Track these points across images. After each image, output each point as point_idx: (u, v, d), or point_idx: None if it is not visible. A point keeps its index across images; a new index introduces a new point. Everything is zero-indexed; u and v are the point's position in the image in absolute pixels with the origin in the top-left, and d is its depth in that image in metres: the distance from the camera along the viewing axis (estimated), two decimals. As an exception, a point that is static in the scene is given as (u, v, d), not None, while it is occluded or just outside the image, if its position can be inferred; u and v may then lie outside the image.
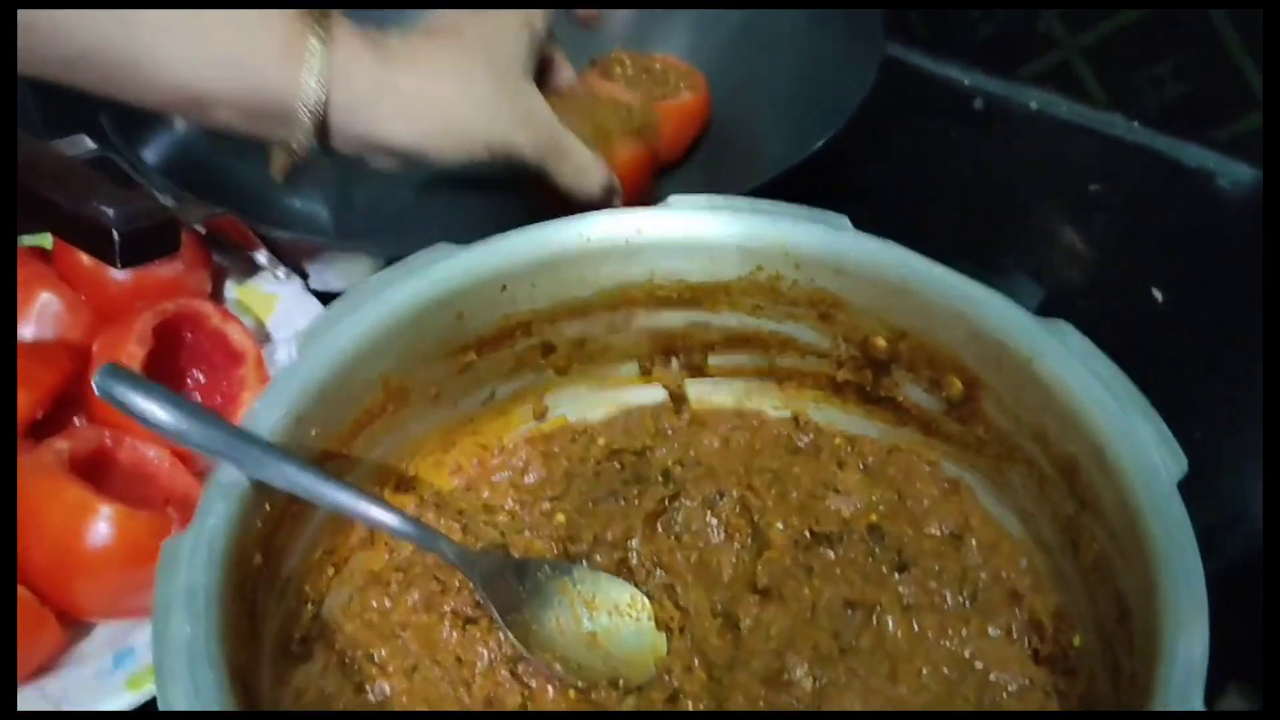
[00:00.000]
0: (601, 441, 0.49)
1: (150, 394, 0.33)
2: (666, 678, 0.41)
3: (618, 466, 0.48)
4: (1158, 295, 0.63)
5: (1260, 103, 0.70)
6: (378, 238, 0.53)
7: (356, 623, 0.42)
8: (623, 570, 0.44)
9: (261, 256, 0.55)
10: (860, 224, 0.61)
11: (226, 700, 0.31)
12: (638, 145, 0.62)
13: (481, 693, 0.40)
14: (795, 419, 0.49)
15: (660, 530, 0.46)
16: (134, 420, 0.33)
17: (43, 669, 0.44)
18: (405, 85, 0.49)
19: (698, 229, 0.46)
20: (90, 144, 0.50)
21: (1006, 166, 0.74)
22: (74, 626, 0.45)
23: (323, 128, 0.47)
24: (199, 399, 0.54)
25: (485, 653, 0.41)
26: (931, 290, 0.41)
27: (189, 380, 0.54)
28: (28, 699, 0.42)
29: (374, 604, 0.42)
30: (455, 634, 0.42)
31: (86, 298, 0.53)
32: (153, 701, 0.41)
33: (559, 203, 0.55)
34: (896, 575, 0.43)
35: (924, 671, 0.40)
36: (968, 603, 0.42)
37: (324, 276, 0.55)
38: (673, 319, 0.48)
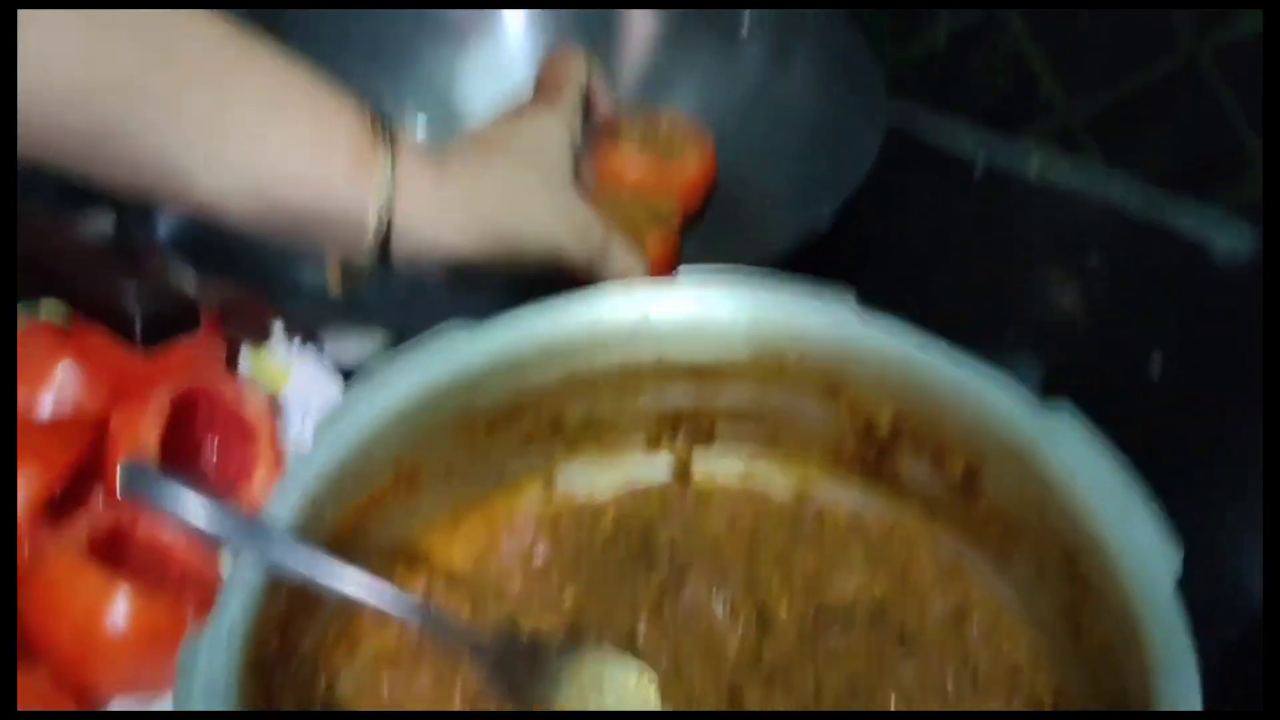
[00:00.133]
0: (609, 518, 0.50)
1: (172, 489, 0.34)
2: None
3: (624, 544, 0.49)
4: (1156, 366, 0.63)
5: (1260, 171, 0.71)
6: (390, 313, 0.54)
7: (369, 700, 0.43)
8: (629, 650, 0.45)
9: (276, 331, 0.56)
10: (862, 287, 0.62)
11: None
12: (666, 236, 0.65)
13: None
14: (799, 496, 0.50)
15: (666, 610, 0.47)
16: (156, 513, 0.34)
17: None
18: (464, 200, 0.49)
19: (706, 310, 0.47)
20: (107, 219, 0.50)
21: (1007, 233, 0.75)
22: (89, 703, 0.46)
23: (383, 244, 0.47)
24: (213, 472, 0.54)
25: (496, 731, 0.42)
26: (935, 373, 0.42)
27: (203, 453, 0.55)
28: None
29: (386, 682, 0.43)
30: (466, 712, 0.42)
31: (103, 371, 0.53)
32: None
33: None
34: (900, 656, 0.43)
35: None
36: (970, 683, 0.43)
37: (338, 349, 0.56)
38: (680, 394, 0.49)
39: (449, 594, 0.46)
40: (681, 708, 0.43)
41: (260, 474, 0.54)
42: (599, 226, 0.55)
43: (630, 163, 0.69)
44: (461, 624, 0.43)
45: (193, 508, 0.34)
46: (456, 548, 0.48)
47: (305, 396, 0.57)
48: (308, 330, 0.54)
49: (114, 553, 0.46)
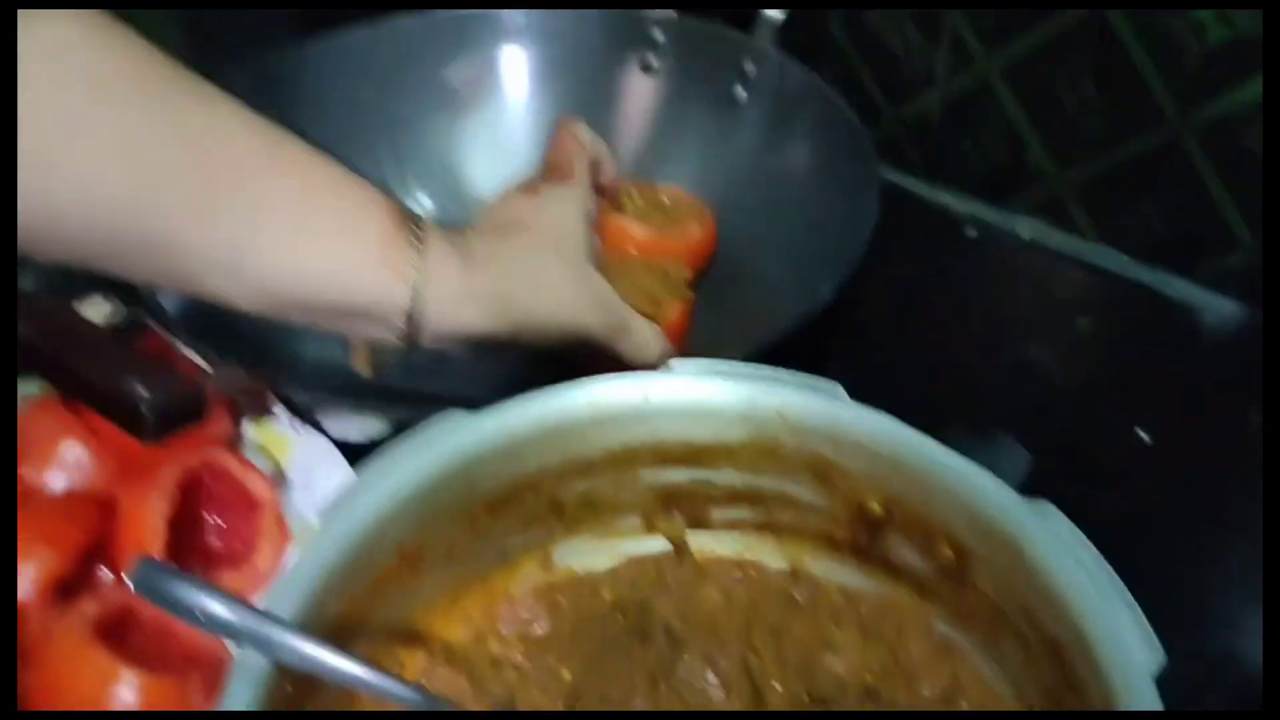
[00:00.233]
0: (606, 594, 0.51)
1: (183, 587, 0.35)
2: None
3: (621, 619, 0.50)
4: (1144, 437, 0.64)
5: (1243, 244, 0.72)
6: (391, 397, 0.55)
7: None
8: (626, 727, 0.46)
9: (279, 412, 0.57)
10: (853, 349, 0.63)
11: None
12: (680, 304, 0.67)
13: None
14: (794, 571, 0.51)
15: (662, 686, 0.48)
16: (170, 613, 0.35)
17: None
18: (489, 284, 0.50)
19: (702, 395, 0.48)
20: (111, 300, 0.51)
21: (998, 297, 0.77)
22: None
23: (414, 330, 0.48)
24: (218, 545, 0.55)
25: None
26: (923, 466, 0.43)
27: (208, 526, 0.55)
28: None
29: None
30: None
31: (110, 448, 0.54)
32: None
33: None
34: (892, 738, 0.44)
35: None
36: (960, 765, 0.44)
37: (340, 428, 0.57)
38: (677, 476, 0.50)
39: (448, 672, 0.47)
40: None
41: (265, 546, 0.54)
42: (617, 300, 0.56)
43: (632, 234, 0.71)
44: (460, 708, 0.43)
45: (203, 606, 0.35)
46: (456, 626, 0.49)
47: (309, 468, 0.58)
48: (310, 413, 0.55)
49: (121, 634, 0.47)
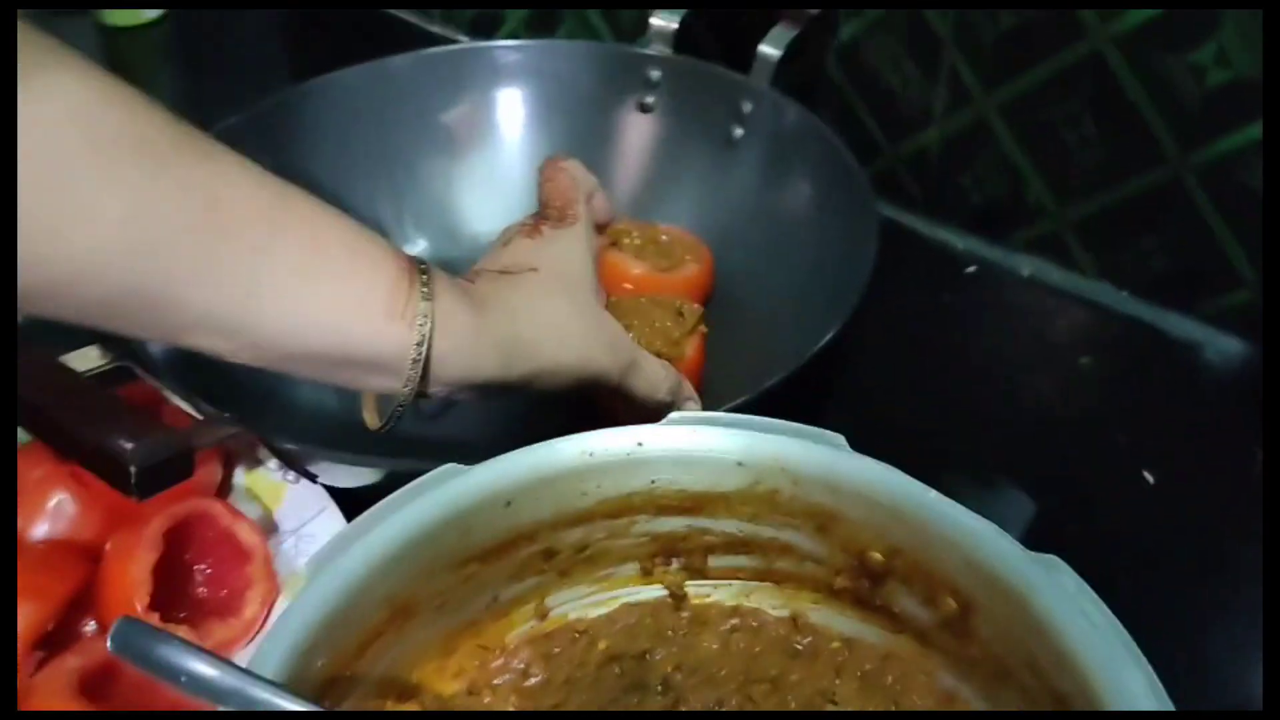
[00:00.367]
0: (602, 645, 0.50)
1: (164, 647, 0.34)
2: None
3: (618, 670, 0.49)
4: (1149, 477, 0.64)
5: (1245, 281, 0.72)
6: (383, 448, 0.55)
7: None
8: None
9: (271, 463, 0.56)
10: (849, 394, 0.63)
11: None
12: (697, 340, 0.66)
13: None
14: (794, 619, 0.50)
15: (660, 740, 0.47)
16: (150, 675, 0.34)
17: None
18: (499, 331, 0.50)
19: (697, 443, 0.47)
20: (99, 356, 0.51)
21: (998, 334, 0.76)
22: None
23: (424, 379, 0.48)
24: (207, 593, 0.54)
25: None
26: (925, 518, 0.42)
27: (195, 575, 0.55)
28: None
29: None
30: None
31: (99, 496, 0.53)
32: None
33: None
34: (894, 796, 0.43)
35: None
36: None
37: (331, 475, 0.56)
38: (674, 525, 0.49)
39: (442, 727, 0.46)
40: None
41: (254, 596, 0.54)
42: (627, 339, 0.56)
43: (629, 272, 0.70)
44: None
45: (185, 667, 0.34)
46: (448, 678, 0.48)
47: (300, 515, 0.57)
48: (302, 462, 0.54)
49: (104, 689, 0.46)
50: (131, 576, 0.49)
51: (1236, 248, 0.71)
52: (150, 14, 1.13)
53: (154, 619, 0.50)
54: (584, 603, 0.50)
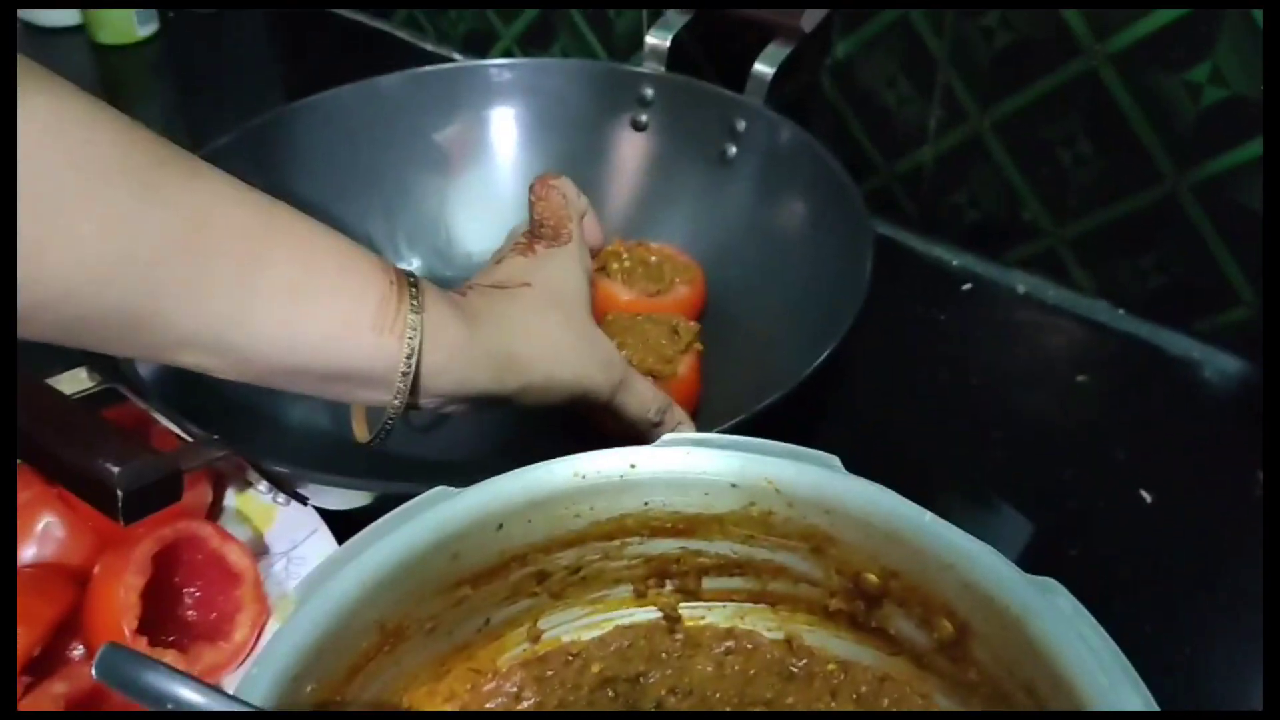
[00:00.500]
0: (595, 668, 0.49)
1: (149, 674, 0.34)
2: None
3: (611, 694, 0.49)
4: (1147, 496, 0.63)
5: (1243, 299, 0.71)
6: (374, 472, 0.54)
7: None
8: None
9: (261, 485, 0.55)
10: (844, 412, 0.62)
11: None
12: (693, 358, 0.66)
13: None
14: (789, 642, 0.49)
15: (654, 764, 0.46)
16: (137, 701, 0.33)
17: None
18: (491, 344, 0.50)
19: (690, 465, 0.46)
20: (87, 377, 0.50)
21: (994, 351, 0.76)
22: None
23: (414, 391, 0.48)
24: (197, 616, 0.54)
25: None
26: (921, 540, 0.42)
27: (185, 598, 0.54)
28: None
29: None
30: None
31: (88, 519, 0.53)
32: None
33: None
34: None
35: None
36: None
37: (322, 498, 0.56)
38: (667, 546, 0.49)
39: (432, 752, 0.46)
40: None
41: (243, 619, 0.53)
42: (620, 358, 0.56)
43: (618, 298, 0.70)
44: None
45: (171, 693, 0.34)
46: (440, 701, 0.47)
47: (290, 537, 0.57)
48: (292, 484, 0.54)
49: (92, 710, 0.45)
50: (120, 600, 0.48)
51: (1233, 265, 0.70)
52: (142, 32, 1.13)
53: (142, 643, 0.49)
54: (577, 625, 0.50)
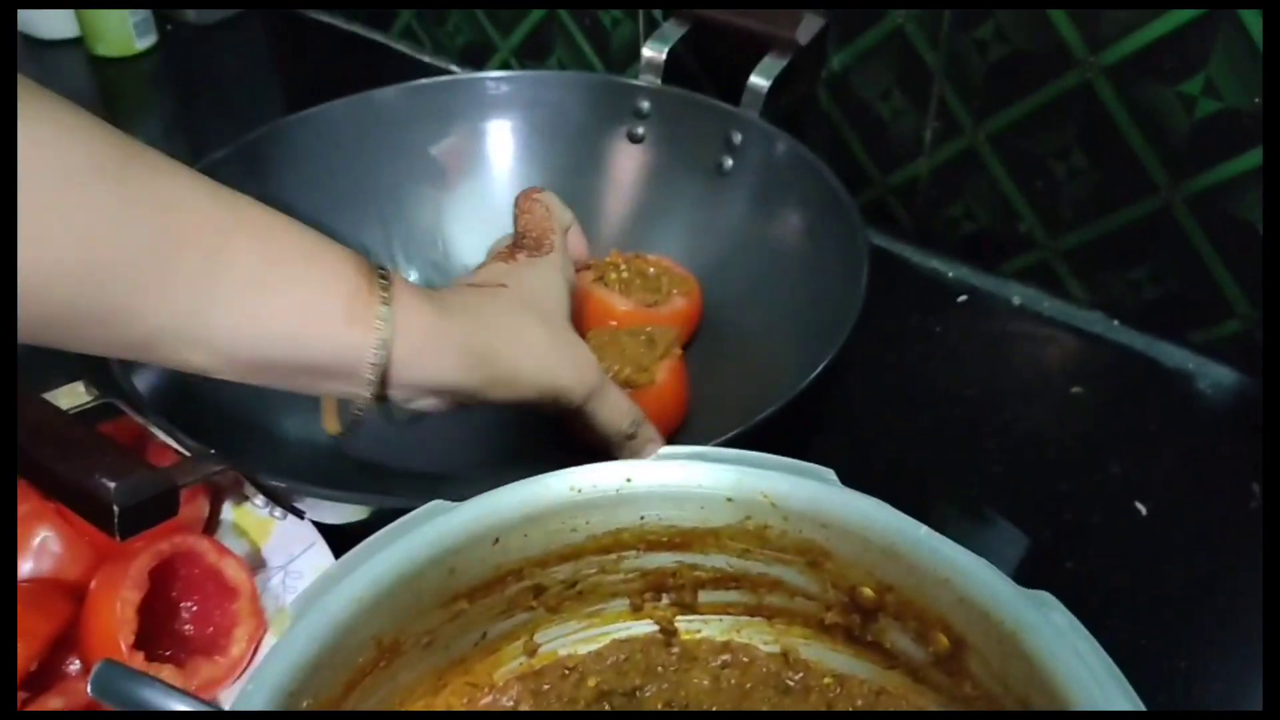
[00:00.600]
0: (592, 682, 0.49)
1: (145, 691, 0.34)
2: None
3: (608, 708, 0.49)
4: (1142, 509, 0.63)
5: (1238, 311, 0.72)
6: (371, 487, 0.54)
7: None
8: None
9: (258, 499, 0.56)
10: (839, 424, 0.62)
11: None
12: (669, 365, 0.66)
13: None
14: (785, 655, 0.50)
15: (650, 778, 0.46)
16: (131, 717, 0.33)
17: None
18: (463, 336, 0.50)
19: (686, 478, 0.47)
20: (84, 391, 0.51)
21: (989, 363, 0.76)
22: None
23: (383, 382, 0.48)
24: (194, 630, 0.54)
25: None
26: (917, 555, 0.42)
27: (181, 612, 0.54)
28: None
29: None
30: None
31: (84, 533, 0.53)
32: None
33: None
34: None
35: None
36: None
37: (319, 512, 0.56)
38: (663, 559, 0.49)
39: (430, 767, 0.46)
40: None
41: (241, 632, 0.53)
42: (595, 365, 0.56)
43: (615, 309, 0.70)
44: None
45: (166, 710, 0.34)
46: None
47: (287, 550, 0.57)
48: (288, 499, 0.54)
49: (88, 730, 0.45)
50: (116, 615, 0.48)
51: (1227, 277, 0.71)
52: (140, 45, 1.13)
53: (139, 658, 0.49)
54: (573, 639, 0.50)
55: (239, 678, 0.52)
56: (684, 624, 0.50)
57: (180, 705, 0.35)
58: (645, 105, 0.80)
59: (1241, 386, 0.71)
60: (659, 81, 0.82)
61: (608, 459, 0.47)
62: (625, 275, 0.72)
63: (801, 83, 0.83)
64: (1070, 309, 0.78)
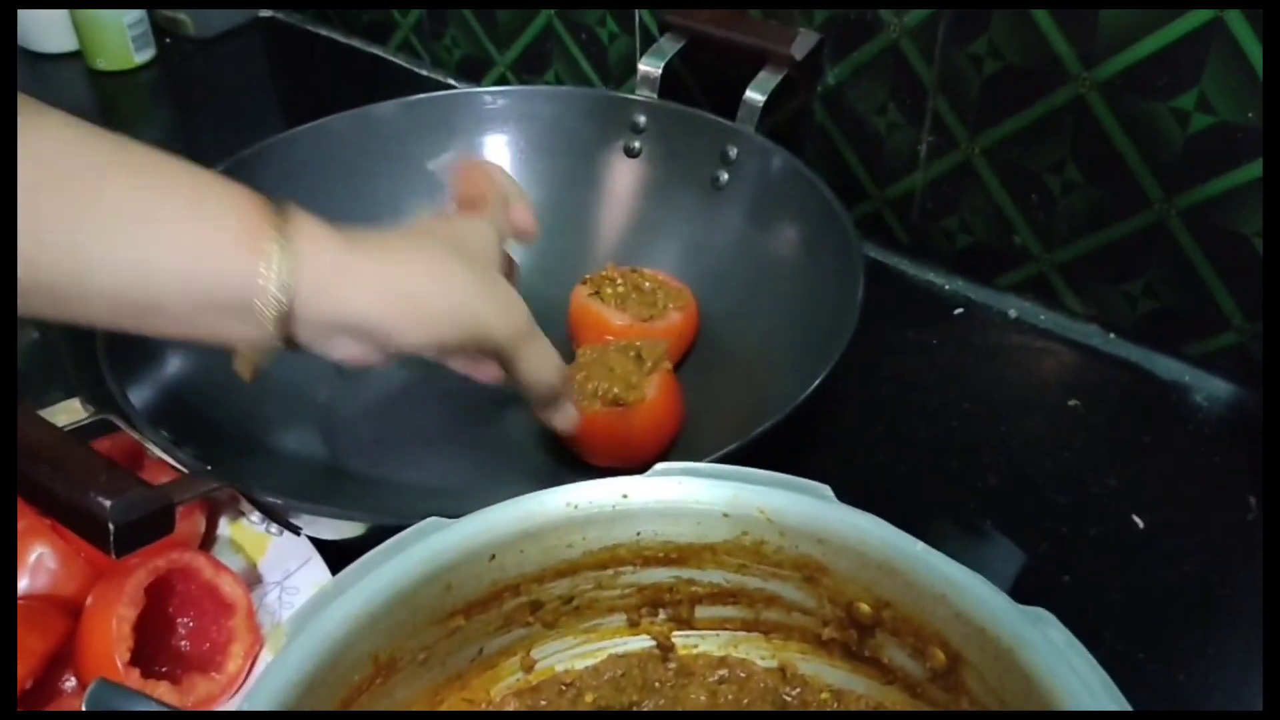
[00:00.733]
0: (589, 697, 0.49)
1: (139, 709, 0.34)
2: None
3: (606, 723, 0.49)
4: (1139, 522, 0.63)
5: (1234, 324, 0.72)
6: (367, 502, 0.54)
7: None
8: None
9: (254, 515, 0.55)
10: (835, 438, 0.62)
11: None
12: (658, 378, 0.65)
13: None
14: (782, 670, 0.50)
15: (647, 795, 0.46)
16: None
17: None
18: (373, 265, 0.49)
19: (682, 494, 0.47)
20: (80, 408, 0.51)
21: (985, 376, 0.76)
22: None
23: (286, 319, 0.46)
24: (190, 646, 0.54)
25: None
26: (914, 570, 0.42)
27: (178, 628, 0.54)
28: None
29: None
30: None
31: (81, 550, 0.53)
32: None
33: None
34: None
35: None
36: None
37: (315, 528, 0.56)
38: (660, 575, 0.49)
39: (427, 784, 0.46)
40: None
41: (237, 648, 0.53)
42: (525, 312, 0.54)
43: (610, 323, 0.70)
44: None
45: (161, 729, 0.34)
46: (434, 732, 0.47)
47: (283, 566, 0.57)
48: (285, 514, 0.54)
49: (84, 748, 0.45)
50: (112, 631, 0.48)
51: (1222, 290, 0.71)
52: (138, 59, 1.13)
53: (135, 675, 0.49)
54: (570, 654, 0.50)
55: (235, 693, 0.52)
56: (681, 639, 0.50)
57: (175, 724, 0.34)
58: (641, 120, 0.80)
59: (1237, 399, 0.71)
60: (655, 96, 0.82)
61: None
62: (621, 289, 0.72)
63: (797, 97, 0.83)
64: (1066, 322, 0.78)
